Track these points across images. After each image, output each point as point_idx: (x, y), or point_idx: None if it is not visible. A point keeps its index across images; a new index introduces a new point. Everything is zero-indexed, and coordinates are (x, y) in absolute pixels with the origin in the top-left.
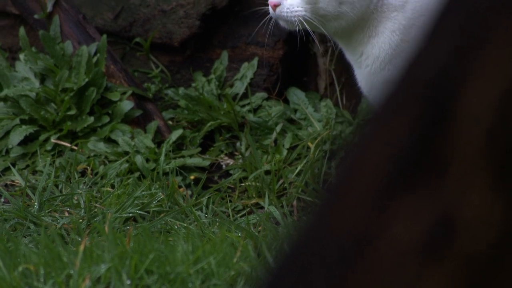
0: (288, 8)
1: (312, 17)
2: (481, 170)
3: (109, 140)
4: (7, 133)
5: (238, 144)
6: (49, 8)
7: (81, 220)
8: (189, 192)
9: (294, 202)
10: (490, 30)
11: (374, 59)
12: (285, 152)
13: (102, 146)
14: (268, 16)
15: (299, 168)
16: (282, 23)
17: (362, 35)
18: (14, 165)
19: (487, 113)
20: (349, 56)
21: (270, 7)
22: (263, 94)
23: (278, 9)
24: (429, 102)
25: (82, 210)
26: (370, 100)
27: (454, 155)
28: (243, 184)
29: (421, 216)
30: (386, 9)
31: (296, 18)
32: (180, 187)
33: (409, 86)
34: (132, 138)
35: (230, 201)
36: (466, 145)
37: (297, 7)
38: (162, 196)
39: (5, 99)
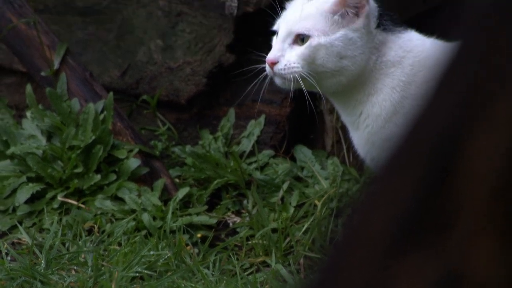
0: (285, 65)
1: (309, 75)
2: (486, 227)
3: (116, 198)
4: (14, 191)
5: (245, 202)
6: (56, 65)
7: (88, 279)
8: (196, 250)
9: (301, 260)
10: (494, 87)
11: (375, 118)
12: (292, 210)
13: (109, 204)
14: (263, 73)
15: (306, 226)
16: (277, 81)
17: (362, 94)
18: (21, 223)
19: (491, 171)
20: (346, 118)
21: (267, 65)
22: (270, 152)
23: (276, 67)
24: (433, 162)
25: (89, 269)
26: (368, 162)
27: (459, 213)
28: (250, 242)
29: (425, 274)
30: (384, 66)
31: (292, 75)
32: (187, 245)
33: (412, 145)
34: (139, 196)
35: (237, 259)
36: (471, 203)
37: (294, 63)
38: (169, 254)
39: (12, 156)
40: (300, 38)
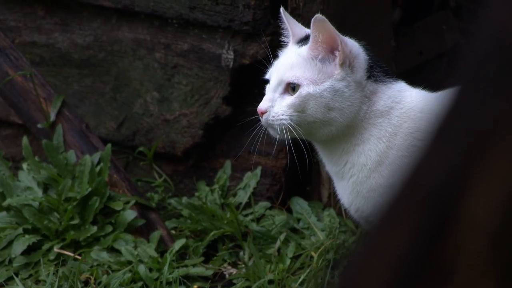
0: (273, 116)
1: (297, 125)
2: (485, 275)
3: (112, 250)
4: (10, 243)
5: (241, 253)
6: (52, 117)
7: None
8: None
9: None
10: (492, 136)
11: (360, 168)
12: (288, 261)
13: (105, 256)
14: (259, 123)
15: (302, 277)
16: (271, 131)
17: (349, 143)
18: (17, 274)
19: (490, 218)
20: (331, 167)
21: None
22: (266, 204)
23: (265, 116)
24: (431, 210)
25: None
26: (352, 213)
27: (458, 261)
28: None
29: None
30: (373, 115)
31: (280, 126)
32: None
33: (410, 193)
34: (135, 247)
35: None
36: (470, 251)
37: (282, 115)
38: None
39: (8, 208)
40: (291, 87)
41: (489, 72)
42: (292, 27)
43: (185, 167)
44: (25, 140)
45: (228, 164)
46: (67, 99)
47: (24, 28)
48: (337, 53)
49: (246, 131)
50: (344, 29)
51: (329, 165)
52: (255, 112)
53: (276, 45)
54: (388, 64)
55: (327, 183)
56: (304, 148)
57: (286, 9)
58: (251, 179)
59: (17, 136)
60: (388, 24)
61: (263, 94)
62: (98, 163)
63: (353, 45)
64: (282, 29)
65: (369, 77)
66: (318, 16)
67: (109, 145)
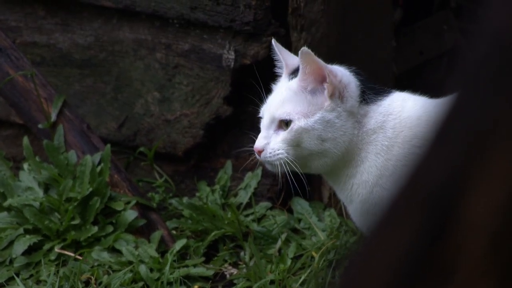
0: (270, 153)
1: (294, 159)
2: (486, 275)
3: (113, 250)
4: (11, 243)
5: (242, 253)
6: (53, 117)
7: None
8: None
9: None
10: (492, 138)
11: (364, 185)
12: (289, 262)
13: (106, 256)
14: (254, 157)
15: (303, 277)
16: (269, 167)
17: (350, 168)
18: (18, 275)
19: (490, 219)
20: (340, 193)
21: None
22: (267, 204)
23: (262, 154)
24: (431, 211)
25: None
26: (366, 232)
27: (459, 262)
28: None
29: None
30: (365, 135)
31: (278, 162)
32: None
33: (410, 195)
34: (136, 247)
35: None
36: (470, 252)
37: (278, 150)
38: None
39: (9, 208)
40: (284, 123)
41: (489, 72)
42: (285, 57)
43: (186, 167)
44: (26, 140)
45: (229, 164)
46: (68, 99)
47: (25, 28)
48: (325, 85)
49: (247, 131)
50: (345, 29)
51: (339, 192)
52: (256, 112)
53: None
54: (388, 64)
55: (327, 184)
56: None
57: (287, 9)
58: (252, 179)
59: (18, 136)
60: (388, 24)
61: (265, 93)
62: (99, 163)
63: (343, 75)
64: (275, 60)
65: (361, 102)
66: (304, 49)
67: (108, 145)
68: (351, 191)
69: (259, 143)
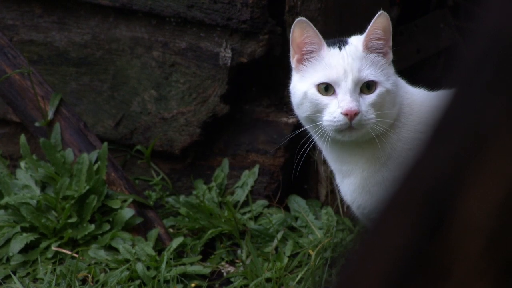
0: (365, 116)
1: (378, 123)
2: (483, 273)
3: (110, 248)
4: (8, 241)
5: (239, 251)
6: (50, 115)
7: None
8: None
9: None
10: (488, 137)
11: (374, 161)
12: (286, 260)
13: (102, 254)
14: (340, 124)
15: (300, 275)
16: (355, 135)
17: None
18: (14, 273)
19: (486, 219)
20: (339, 166)
21: (342, 116)
22: (264, 202)
23: (357, 117)
24: (428, 210)
25: None
26: (354, 210)
27: (455, 260)
28: None
29: None
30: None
31: (370, 126)
32: None
33: (407, 195)
34: (133, 245)
35: None
36: (467, 251)
37: (371, 114)
38: None
39: (5, 206)
40: (366, 87)
41: (488, 72)
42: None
43: (182, 166)
44: (22, 138)
45: (225, 162)
46: (65, 98)
47: (22, 26)
48: (388, 48)
49: (244, 130)
50: (342, 27)
51: (337, 164)
52: (253, 110)
53: (273, 44)
54: None
55: (324, 182)
56: (299, 147)
57: (284, 7)
58: (249, 177)
59: (15, 135)
60: None
61: (261, 93)
62: (96, 161)
63: None
64: (309, 40)
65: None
66: (383, 12)
67: (105, 144)
68: (356, 165)
69: (353, 105)
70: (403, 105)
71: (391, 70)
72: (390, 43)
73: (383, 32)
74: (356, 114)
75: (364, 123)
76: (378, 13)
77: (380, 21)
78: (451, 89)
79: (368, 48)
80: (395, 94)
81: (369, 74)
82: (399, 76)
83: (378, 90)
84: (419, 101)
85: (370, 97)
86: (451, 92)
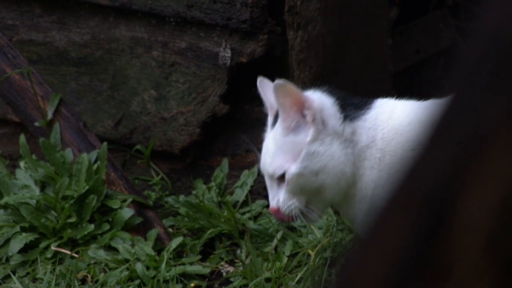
0: (285, 208)
1: (307, 203)
2: (482, 275)
3: (109, 248)
4: (7, 241)
5: (238, 251)
6: (50, 115)
7: None
8: None
9: None
10: (487, 138)
11: (364, 200)
12: (285, 260)
13: (102, 254)
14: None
15: (299, 275)
16: (300, 221)
17: (352, 189)
18: (14, 272)
19: (487, 219)
20: (347, 213)
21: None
22: (264, 202)
23: (281, 212)
24: (427, 211)
25: None
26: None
27: (455, 262)
28: None
29: None
30: (361, 152)
31: (295, 212)
32: None
33: (406, 195)
34: (133, 245)
35: None
36: (467, 251)
37: (289, 201)
38: None
39: (5, 206)
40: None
41: (488, 72)
42: (269, 98)
43: (182, 165)
44: (22, 138)
45: (225, 162)
46: (65, 97)
47: (22, 26)
48: (305, 112)
49: (244, 130)
50: (341, 27)
51: (345, 212)
52: (252, 110)
53: (273, 44)
54: (385, 62)
55: None
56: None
57: (283, 7)
58: (249, 177)
59: (15, 134)
60: (385, 23)
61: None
62: (95, 161)
63: (314, 97)
64: (262, 99)
65: (344, 119)
66: (278, 81)
67: (105, 143)
68: (354, 209)
69: (272, 203)
70: (375, 141)
71: (314, 134)
72: (305, 103)
73: (291, 101)
74: (278, 210)
75: (289, 213)
76: (273, 85)
77: (281, 92)
78: (450, 91)
79: (286, 127)
80: (312, 167)
81: (276, 167)
82: (378, 100)
83: (286, 179)
84: (406, 121)
85: (284, 187)
86: (447, 96)
